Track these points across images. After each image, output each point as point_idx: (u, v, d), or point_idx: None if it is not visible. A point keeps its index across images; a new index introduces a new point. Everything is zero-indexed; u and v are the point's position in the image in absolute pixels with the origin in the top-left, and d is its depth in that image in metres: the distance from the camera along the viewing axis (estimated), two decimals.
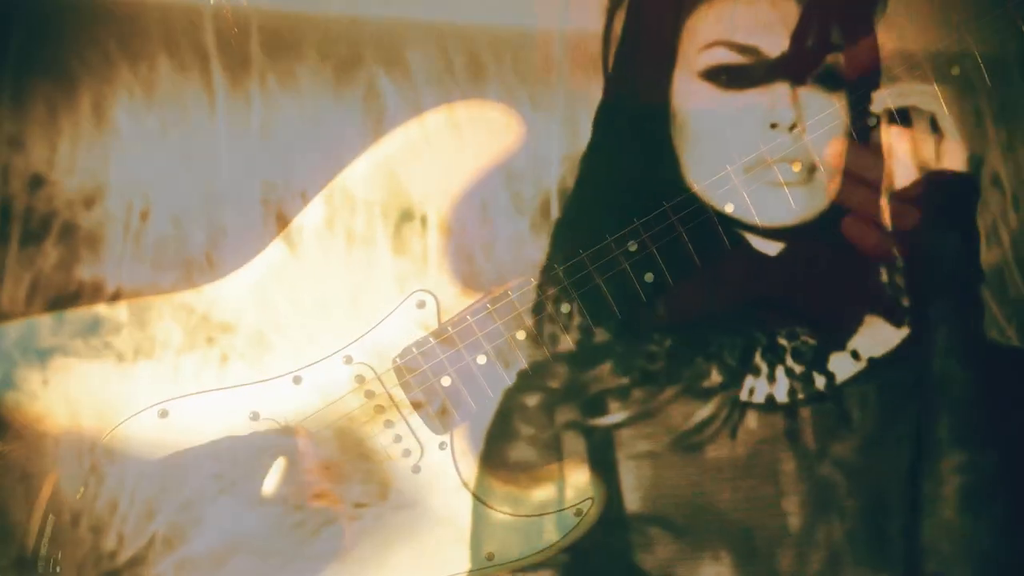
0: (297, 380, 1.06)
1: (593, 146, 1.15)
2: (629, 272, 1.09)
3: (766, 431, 1.09)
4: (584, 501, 1.12)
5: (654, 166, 1.11)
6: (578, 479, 1.13)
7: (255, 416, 1.05)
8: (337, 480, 1.04)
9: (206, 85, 1.09)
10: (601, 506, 1.12)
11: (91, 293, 1.04)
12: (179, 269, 1.06)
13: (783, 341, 1.12)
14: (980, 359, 1.02)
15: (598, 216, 1.11)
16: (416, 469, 1.08)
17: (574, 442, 1.15)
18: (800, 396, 1.10)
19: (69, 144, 1.02)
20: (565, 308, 1.10)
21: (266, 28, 1.10)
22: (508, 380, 1.10)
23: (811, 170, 1.06)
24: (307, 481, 1.00)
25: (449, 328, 1.09)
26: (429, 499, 1.08)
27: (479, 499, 1.10)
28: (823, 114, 1.06)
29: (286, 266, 1.08)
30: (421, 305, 1.08)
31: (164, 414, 1.03)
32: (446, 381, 1.08)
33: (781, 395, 1.11)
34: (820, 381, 1.11)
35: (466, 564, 1.09)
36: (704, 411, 1.10)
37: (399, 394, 1.08)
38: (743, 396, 1.11)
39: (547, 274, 1.10)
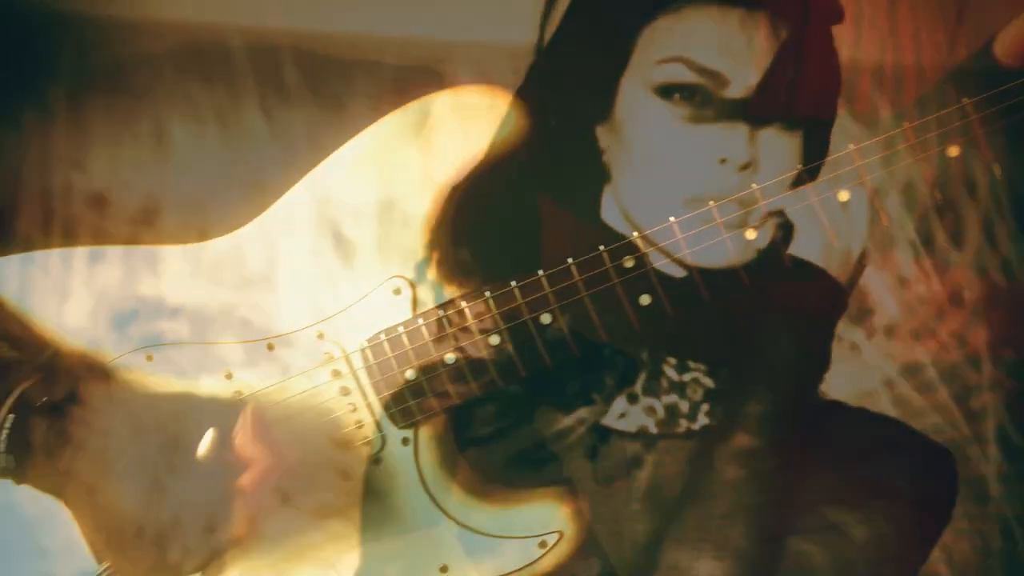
0: (271, 347, 1.03)
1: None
2: (619, 292, 0.92)
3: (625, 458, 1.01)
4: (550, 533, 0.99)
5: (581, 176, 0.94)
6: (549, 508, 1.00)
7: (229, 375, 1.04)
8: (288, 461, 1.01)
9: (259, 104, 1.06)
10: (574, 545, 0.99)
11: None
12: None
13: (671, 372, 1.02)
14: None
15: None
16: (377, 460, 1.02)
17: (552, 464, 1.02)
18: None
19: (129, 163, 1.05)
20: (545, 319, 0.95)
21: (301, 50, 1.04)
22: (474, 386, 0.98)
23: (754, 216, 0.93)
24: (245, 457, 0.98)
25: (420, 320, 0.99)
26: (387, 494, 1.02)
27: (439, 506, 1.01)
28: (779, 160, 0.91)
29: (270, 238, 1.03)
30: (397, 292, 1.00)
31: (150, 358, 1.06)
32: (410, 374, 0.99)
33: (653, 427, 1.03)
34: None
35: (416, 571, 1.02)
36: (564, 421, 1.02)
37: (364, 379, 1.01)
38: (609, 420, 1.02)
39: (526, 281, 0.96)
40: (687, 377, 1.04)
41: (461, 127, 0.97)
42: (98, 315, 1.06)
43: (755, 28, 0.93)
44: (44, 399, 0.96)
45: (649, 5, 0.97)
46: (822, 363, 1.01)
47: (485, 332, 0.97)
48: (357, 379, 1.01)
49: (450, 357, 0.98)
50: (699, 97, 0.96)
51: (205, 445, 0.96)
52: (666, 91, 0.97)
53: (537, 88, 1.00)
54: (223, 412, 0.98)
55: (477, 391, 0.99)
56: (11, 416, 0.96)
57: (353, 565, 1.03)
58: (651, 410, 1.04)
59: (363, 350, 1.01)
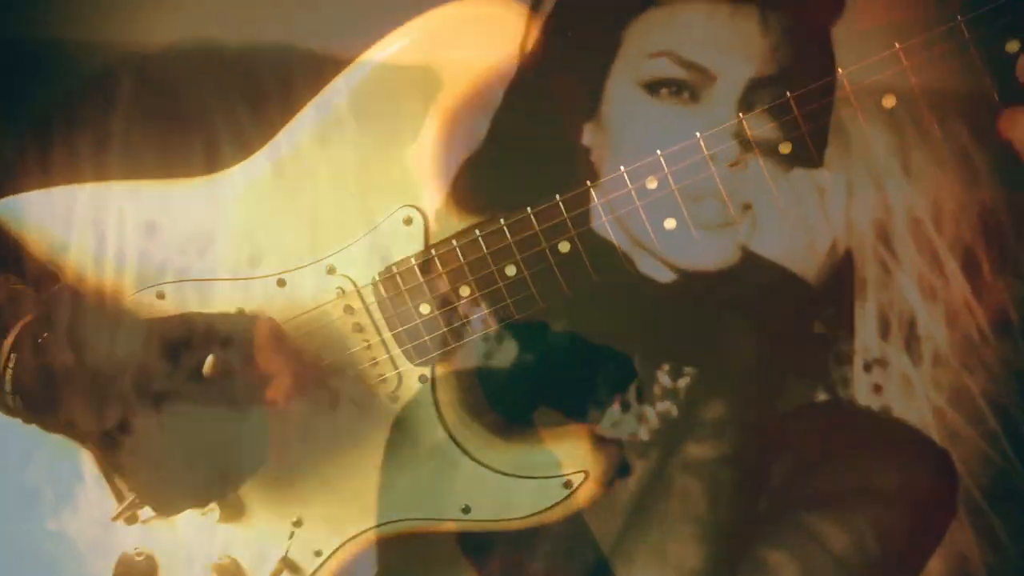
0: (281, 283, 0.99)
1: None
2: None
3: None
4: (576, 473, 0.94)
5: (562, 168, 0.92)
6: (576, 446, 0.95)
7: (241, 312, 1.00)
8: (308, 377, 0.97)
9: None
10: (599, 487, 0.93)
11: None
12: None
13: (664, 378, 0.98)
14: None
15: None
16: (394, 398, 0.98)
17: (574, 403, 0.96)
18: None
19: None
20: (564, 247, 0.89)
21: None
22: (490, 321, 0.93)
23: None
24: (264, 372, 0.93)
25: (433, 251, 0.93)
26: (406, 433, 0.98)
27: (459, 445, 0.97)
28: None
29: (279, 171, 0.98)
30: (408, 222, 0.94)
31: (161, 295, 1.02)
32: (425, 309, 0.94)
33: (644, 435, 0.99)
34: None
35: (437, 511, 0.98)
36: None
37: (378, 314, 0.96)
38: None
39: (546, 206, 0.90)
40: (681, 383, 0.99)
41: (469, 42, 0.90)
42: (107, 250, 1.03)
43: (745, 22, 0.88)
44: (44, 335, 0.93)
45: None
46: (807, 369, 0.97)
47: (501, 262, 0.91)
48: (370, 315, 0.96)
49: (465, 289, 0.93)
50: (686, 93, 0.93)
51: (219, 363, 0.91)
52: (653, 87, 0.94)
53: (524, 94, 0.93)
54: (236, 327, 0.94)
55: (494, 324, 0.93)
56: (14, 355, 0.93)
57: (372, 504, 0.99)
58: (642, 417, 1.00)
59: (375, 284, 0.96)
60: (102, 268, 1.03)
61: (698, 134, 0.85)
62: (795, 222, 0.89)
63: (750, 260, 0.91)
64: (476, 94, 0.91)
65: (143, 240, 1.02)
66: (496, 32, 0.89)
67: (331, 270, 0.97)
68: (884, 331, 0.98)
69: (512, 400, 0.99)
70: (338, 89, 0.94)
